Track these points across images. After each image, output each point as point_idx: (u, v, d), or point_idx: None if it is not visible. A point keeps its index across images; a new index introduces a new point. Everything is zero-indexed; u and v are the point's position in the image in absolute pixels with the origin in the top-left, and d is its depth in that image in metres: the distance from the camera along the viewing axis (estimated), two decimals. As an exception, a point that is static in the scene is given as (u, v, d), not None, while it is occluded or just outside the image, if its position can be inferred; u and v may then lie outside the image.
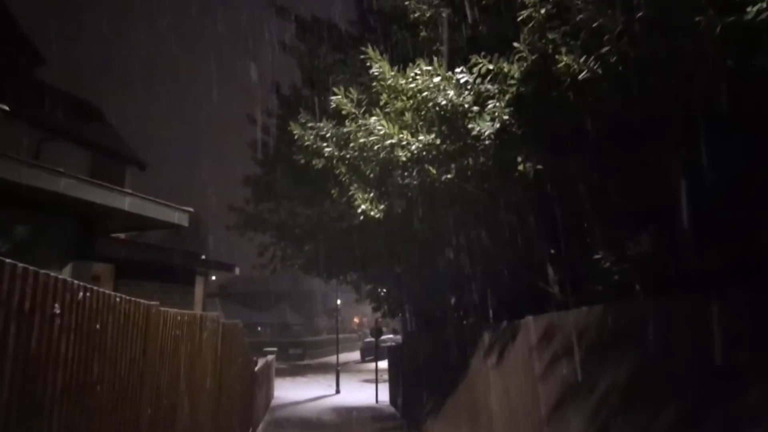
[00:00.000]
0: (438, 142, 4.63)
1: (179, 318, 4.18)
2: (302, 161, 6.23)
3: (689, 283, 3.51)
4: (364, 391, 18.09)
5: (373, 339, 20.12)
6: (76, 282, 2.42)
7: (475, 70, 4.49)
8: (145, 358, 3.33)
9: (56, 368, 2.18)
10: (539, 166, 4.39)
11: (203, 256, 12.51)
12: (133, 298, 3.15)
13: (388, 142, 4.70)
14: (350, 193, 5.64)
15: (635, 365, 3.76)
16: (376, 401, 15.71)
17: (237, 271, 13.34)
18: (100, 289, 2.67)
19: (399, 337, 21.23)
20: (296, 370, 27.30)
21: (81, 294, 2.43)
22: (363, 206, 5.40)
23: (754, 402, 2.77)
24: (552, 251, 5.39)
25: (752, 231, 3.31)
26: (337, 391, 18.24)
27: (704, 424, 3.10)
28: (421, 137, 4.62)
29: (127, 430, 2.99)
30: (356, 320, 50.31)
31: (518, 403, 5.73)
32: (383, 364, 17.13)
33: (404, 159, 4.70)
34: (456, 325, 8.57)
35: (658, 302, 3.80)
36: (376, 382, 16.42)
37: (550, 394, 4.95)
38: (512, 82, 4.38)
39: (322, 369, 26.90)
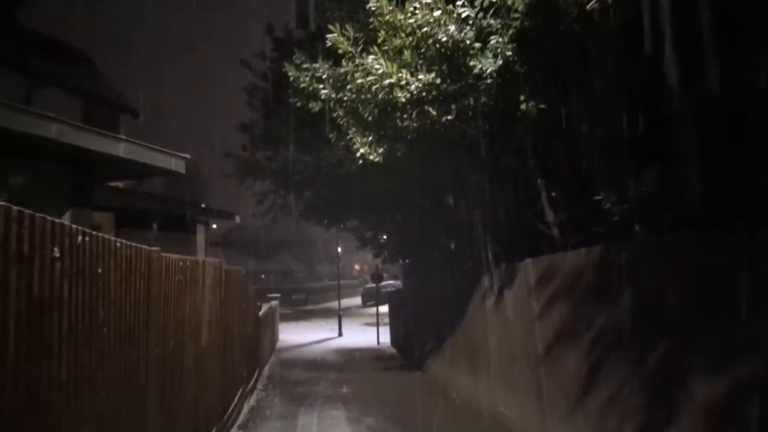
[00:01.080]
0: (438, 81, 4.48)
1: (181, 264, 4.21)
2: (298, 104, 6.06)
3: (691, 223, 3.50)
4: (366, 334, 18.67)
5: (374, 285, 20.55)
6: (74, 226, 2.40)
7: (477, 3, 4.27)
8: (150, 302, 3.37)
9: (61, 310, 2.20)
10: (542, 106, 4.27)
11: (203, 205, 12.53)
12: (133, 244, 3.15)
13: (387, 81, 4.54)
14: (348, 137, 5.53)
15: (631, 304, 3.83)
16: (378, 343, 16.25)
17: (237, 219, 13.41)
18: (100, 234, 2.66)
19: (399, 283, 21.69)
20: (299, 315, 28.07)
21: (80, 238, 2.42)
22: (362, 150, 5.31)
23: (744, 339, 2.84)
24: (552, 194, 5.36)
25: (757, 167, 3.26)
26: (340, 334, 18.85)
27: (694, 358, 3.19)
28: (420, 76, 4.46)
29: (136, 369, 3.08)
30: (357, 267, 51.20)
31: (516, 342, 5.90)
32: (384, 309, 17.58)
33: (403, 100, 4.57)
34: (456, 269, 8.69)
35: (655, 241, 3.81)
36: (377, 325, 16.92)
37: (547, 333, 5.08)
38: (516, 15, 4.17)
39: (325, 314, 27.66)
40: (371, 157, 5.33)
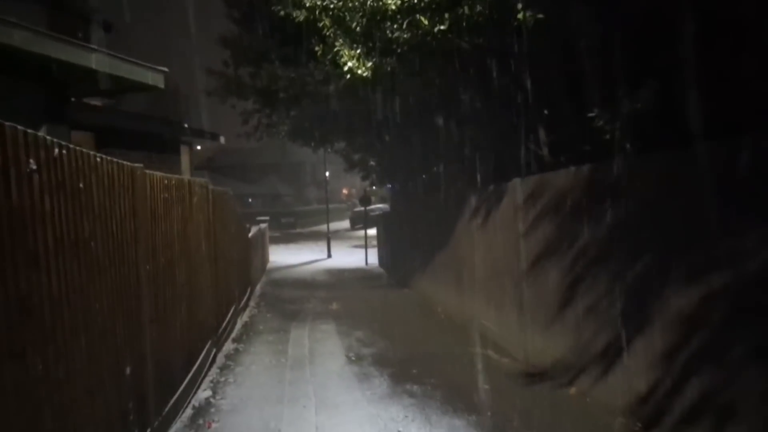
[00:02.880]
0: (431, -13, 4.18)
1: (166, 182, 4.14)
2: (282, 13, 5.67)
3: (685, 141, 3.47)
4: (354, 255, 19.09)
5: (362, 208, 20.70)
6: (49, 138, 2.30)
7: None
8: (136, 218, 3.34)
9: (44, 224, 2.16)
10: (540, 15, 4.05)
11: (186, 125, 12.15)
12: (115, 160, 3.06)
13: (376, -14, 4.24)
14: (335, 49, 5.25)
15: (615, 222, 3.90)
16: (366, 264, 16.67)
17: (222, 140, 13.09)
18: (78, 148, 2.56)
19: (387, 207, 21.86)
20: (289, 237, 28.46)
21: (56, 151, 2.33)
22: (349, 63, 5.05)
23: (722, 252, 2.92)
24: (545, 111, 5.25)
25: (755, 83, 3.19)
26: (329, 256, 19.26)
27: (672, 271, 3.31)
28: (412, -20, 4.16)
29: (128, 283, 3.11)
30: (345, 191, 51.28)
31: (500, 259, 6.07)
32: (372, 232, 17.85)
33: (393, 7, 4.29)
34: (444, 191, 8.72)
35: (641, 159, 3.81)
36: (366, 247, 17.26)
37: (531, 250, 5.22)
38: None
39: (314, 236, 28.07)
40: (359, 72, 5.09)
